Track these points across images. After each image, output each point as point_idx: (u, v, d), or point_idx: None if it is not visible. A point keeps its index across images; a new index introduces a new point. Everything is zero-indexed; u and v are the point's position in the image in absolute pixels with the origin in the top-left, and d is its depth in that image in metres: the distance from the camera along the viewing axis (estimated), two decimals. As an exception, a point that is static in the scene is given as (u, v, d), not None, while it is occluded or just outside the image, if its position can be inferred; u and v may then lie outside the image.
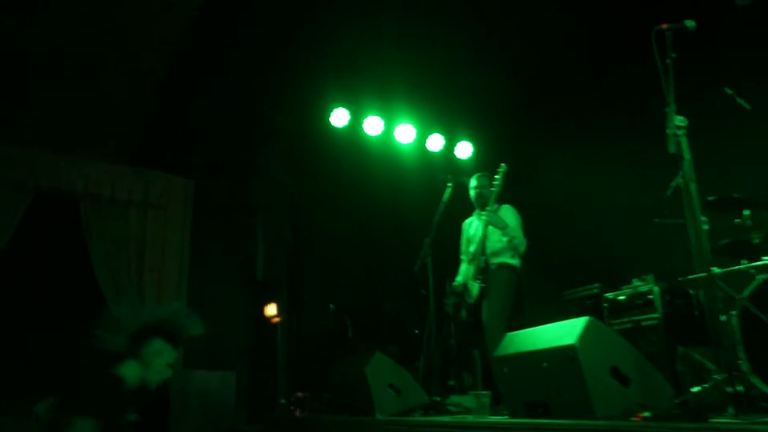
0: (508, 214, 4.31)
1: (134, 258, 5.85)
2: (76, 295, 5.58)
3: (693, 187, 2.29)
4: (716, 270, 3.04)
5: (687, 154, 2.29)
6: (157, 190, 6.05)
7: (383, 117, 6.29)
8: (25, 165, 5.44)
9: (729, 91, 3.06)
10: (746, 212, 3.38)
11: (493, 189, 4.18)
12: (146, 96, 5.35)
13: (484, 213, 4.23)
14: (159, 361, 2.97)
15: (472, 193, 4.47)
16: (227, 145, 6.07)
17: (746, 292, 3.13)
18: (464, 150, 6.62)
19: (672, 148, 2.28)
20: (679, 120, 2.31)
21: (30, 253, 5.47)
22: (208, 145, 6.04)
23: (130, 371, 2.95)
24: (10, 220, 5.36)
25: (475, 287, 4.14)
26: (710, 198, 3.30)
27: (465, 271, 4.52)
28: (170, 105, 5.55)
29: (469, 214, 4.68)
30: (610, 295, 4.71)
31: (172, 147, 6.01)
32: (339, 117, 6.10)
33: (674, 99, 2.34)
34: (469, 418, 3.16)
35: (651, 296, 4.42)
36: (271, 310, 6.13)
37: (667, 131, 2.30)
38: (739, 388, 2.22)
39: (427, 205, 5.00)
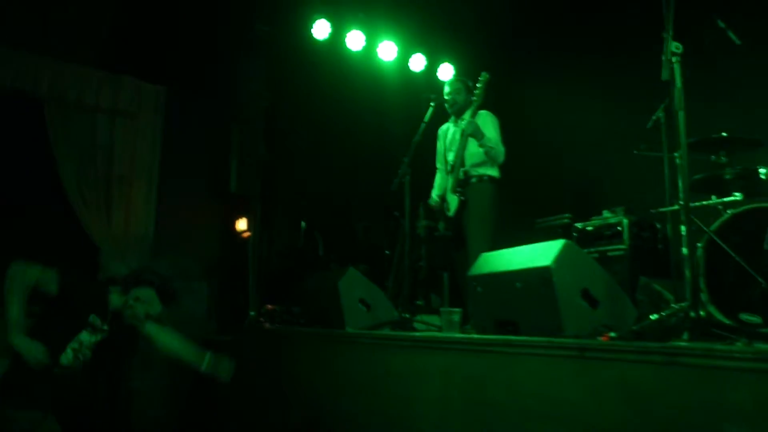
0: (487, 121, 4.17)
1: (102, 167, 5.67)
2: (42, 202, 5.45)
3: (681, 115, 2.29)
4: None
5: (679, 83, 2.27)
6: (127, 96, 5.80)
7: (365, 32, 6.09)
8: (-15, 61, 5.14)
9: (721, 24, 3.01)
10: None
11: (474, 99, 4.07)
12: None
13: (462, 122, 4.12)
14: (140, 307, 3.05)
15: (446, 98, 4.36)
16: (203, 52, 5.79)
17: (713, 226, 3.23)
18: (446, 72, 6.50)
19: (665, 75, 2.25)
20: (675, 46, 2.27)
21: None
22: (183, 51, 5.76)
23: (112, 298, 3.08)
24: (-30, 120, 5.12)
25: (454, 201, 4.10)
26: (690, 140, 3.33)
27: (442, 182, 4.48)
28: (145, 5, 5.24)
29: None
30: (579, 224, 4.81)
31: (145, 51, 5.71)
32: (320, 29, 5.88)
33: (672, 24, 2.29)
34: (439, 333, 3.24)
35: (619, 228, 4.52)
36: (242, 224, 6.11)
37: (663, 57, 2.27)
38: (702, 313, 2.31)
39: (407, 124, 4.93)
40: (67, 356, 2.90)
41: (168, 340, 3.17)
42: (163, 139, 5.93)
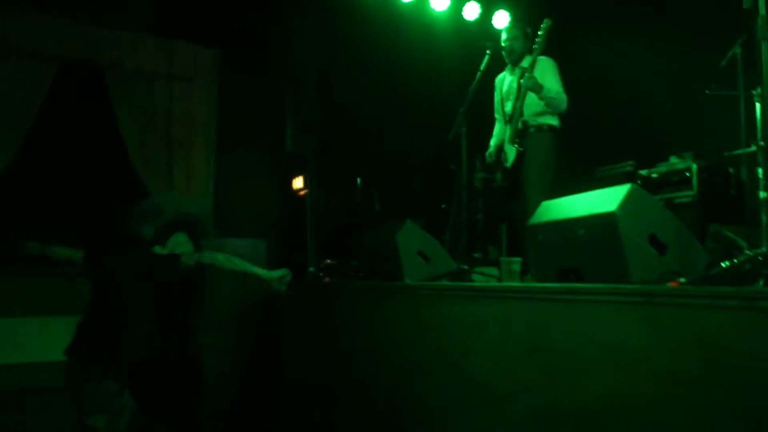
0: (546, 69, 4.04)
1: (162, 131, 5.83)
2: (106, 168, 5.66)
3: (766, 46, 2.09)
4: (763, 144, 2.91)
5: (763, 10, 2.07)
6: (183, 61, 5.92)
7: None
8: (50, 34, 5.30)
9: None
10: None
11: (534, 47, 3.91)
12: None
13: (519, 70, 3.97)
14: (180, 250, 3.29)
15: (503, 45, 4.21)
16: (256, 14, 5.81)
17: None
18: (501, 19, 6.27)
19: (748, 2, 2.06)
20: (760, -30, 2.08)
21: (59, 124, 5.47)
22: (235, 14, 5.79)
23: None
24: (38, 91, 5.31)
25: (512, 151, 4.01)
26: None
27: (500, 132, 4.38)
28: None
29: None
30: (644, 171, 4.62)
31: (198, 16, 5.79)
32: (371, -18, 5.77)
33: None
34: (498, 283, 3.21)
35: (688, 174, 4.32)
36: (298, 183, 6.18)
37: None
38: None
39: (462, 74, 4.81)
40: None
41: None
42: (219, 102, 6.04)
